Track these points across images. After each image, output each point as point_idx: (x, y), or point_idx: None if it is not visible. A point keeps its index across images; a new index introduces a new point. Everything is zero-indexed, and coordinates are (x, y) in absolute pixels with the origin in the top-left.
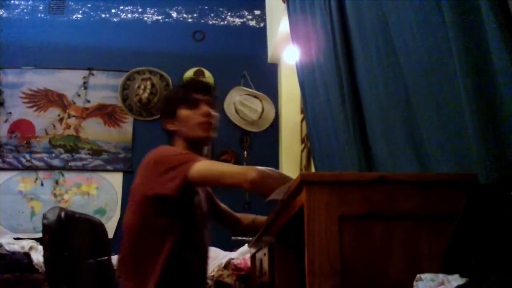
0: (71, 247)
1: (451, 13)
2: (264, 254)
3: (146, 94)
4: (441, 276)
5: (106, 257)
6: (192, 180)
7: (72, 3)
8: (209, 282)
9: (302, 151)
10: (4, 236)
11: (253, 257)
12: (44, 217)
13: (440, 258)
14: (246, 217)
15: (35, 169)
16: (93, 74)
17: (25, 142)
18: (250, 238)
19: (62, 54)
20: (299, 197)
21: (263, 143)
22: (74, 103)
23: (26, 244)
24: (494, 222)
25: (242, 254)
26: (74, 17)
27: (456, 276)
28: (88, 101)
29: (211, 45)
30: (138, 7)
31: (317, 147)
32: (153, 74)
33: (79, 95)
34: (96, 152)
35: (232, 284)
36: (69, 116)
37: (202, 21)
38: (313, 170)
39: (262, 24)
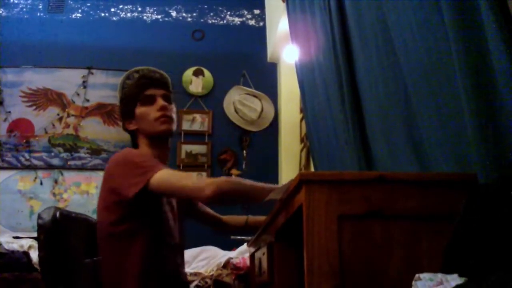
0: (67, 247)
1: (451, 13)
2: (263, 254)
3: None
4: (439, 275)
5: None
6: (152, 189)
7: (71, 2)
8: (208, 281)
9: (301, 150)
10: (3, 235)
11: (252, 256)
12: (39, 217)
13: (439, 257)
14: (236, 219)
15: (34, 168)
16: (92, 73)
17: (24, 141)
18: (249, 238)
19: (61, 53)
20: (298, 196)
21: (262, 142)
22: (74, 102)
23: (25, 243)
24: (494, 222)
25: (241, 254)
26: (73, 16)
27: (455, 275)
28: (88, 100)
29: (210, 44)
30: (138, 6)
31: (317, 146)
32: (155, 74)
33: (78, 94)
34: (95, 151)
35: (231, 283)
36: (68, 115)
37: (202, 20)
38: (312, 169)
39: (261, 24)
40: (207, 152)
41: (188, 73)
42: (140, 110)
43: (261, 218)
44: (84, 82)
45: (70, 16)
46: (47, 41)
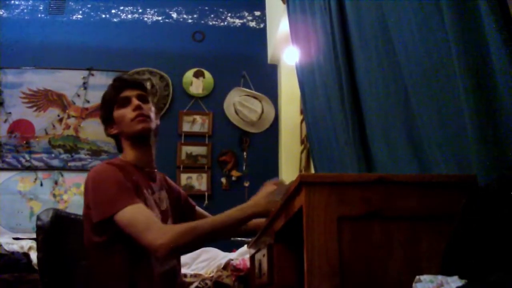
0: (66, 248)
1: (451, 14)
2: (263, 255)
3: None
4: (440, 277)
5: None
6: (116, 223)
7: (72, 3)
8: (208, 282)
9: (301, 152)
10: (3, 236)
11: (252, 258)
12: (38, 218)
13: (439, 258)
14: None
15: (35, 169)
16: (92, 75)
17: (24, 142)
18: (250, 239)
19: (62, 54)
20: (298, 198)
21: (262, 144)
22: (74, 103)
23: (25, 244)
24: (493, 222)
25: (241, 255)
26: (74, 17)
27: (455, 277)
28: (88, 101)
29: (211, 45)
30: (138, 8)
31: (317, 148)
32: (153, 75)
33: (78, 95)
34: (95, 152)
35: (231, 284)
36: (68, 116)
37: (202, 21)
38: (312, 171)
39: (262, 25)
40: (207, 153)
41: (189, 74)
42: (117, 113)
43: (261, 220)
44: (84, 83)
45: (70, 17)
46: (48, 42)
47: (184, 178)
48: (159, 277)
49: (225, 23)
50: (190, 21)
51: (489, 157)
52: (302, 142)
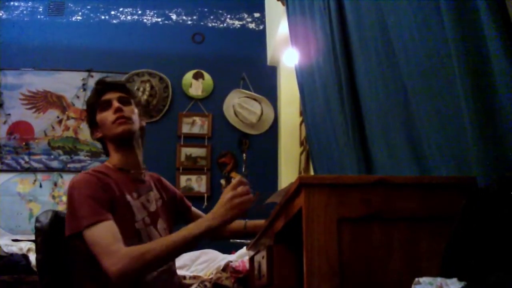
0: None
1: (450, 14)
2: (263, 257)
3: (145, 96)
4: (439, 279)
5: None
6: (85, 238)
7: (71, 5)
8: (208, 284)
9: (301, 153)
10: (3, 238)
11: (251, 259)
12: (37, 220)
13: (438, 260)
14: (233, 224)
15: (34, 170)
16: (92, 76)
17: (24, 143)
18: (249, 241)
19: (61, 56)
20: (297, 199)
21: (262, 145)
22: (73, 104)
23: (24, 246)
24: (493, 224)
25: (240, 257)
26: (73, 18)
27: (454, 279)
28: None
29: (210, 47)
30: (138, 9)
31: (316, 149)
32: (152, 76)
33: (78, 97)
34: (95, 154)
35: (231, 286)
36: (68, 118)
37: (202, 23)
38: (312, 172)
39: (261, 27)
40: (206, 155)
41: (188, 76)
42: (99, 116)
43: (260, 221)
44: (84, 84)
45: (70, 19)
46: (47, 43)
47: (183, 179)
48: (154, 278)
49: (225, 24)
50: (189, 22)
51: (489, 158)
52: (301, 143)
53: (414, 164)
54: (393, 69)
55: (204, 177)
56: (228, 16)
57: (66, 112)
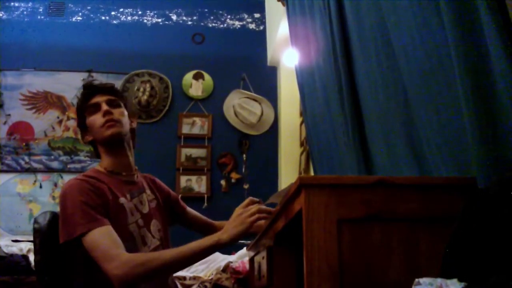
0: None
1: (450, 15)
2: (263, 258)
3: (145, 97)
4: (439, 280)
5: None
6: (83, 244)
7: (72, 5)
8: (208, 285)
9: (301, 154)
10: (3, 238)
11: (251, 260)
12: (35, 221)
13: (438, 261)
14: None
15: (34, 171)
16: (92, 76)
17: (24, 144)
18: (249, 242)
19: (61, 56)
20: (297, 200)
21: (262, 146)
22: (73, 105)
23: (24, 246)
24: (493, 225)
25: (240, 257)
26: (73, 19)
27: (455, 280)
28: None
29: (210, 47)
30: (138, 10)
31: (316, 150)
32: (153, 77)
33: (78, 97)
34: (94, 154)
35: (231, 287)
36: (68, 118)
37: (202, 23)
38: (312, 173)
39: (261, 27)
40: (206, 155)
41: (188, 76)
42: (89, 120)
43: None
44: None
45: (70, 19)
46: (47, 44)
47: (183, 180)
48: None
49: (225, 25)
50: (189, 23)
51: (489, 159)
52: (301, 144)
53: (414, 164)
54: (393, 70)
55: (204, 178)
56: (228, 16)
57: (66, 113)
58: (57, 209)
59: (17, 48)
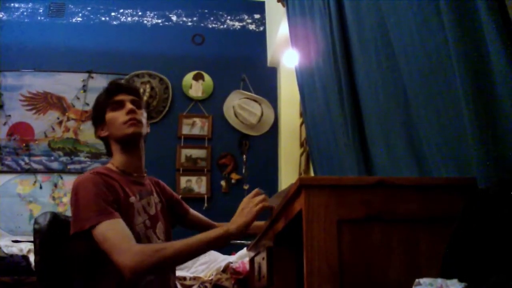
0: (63, 252)
1: (450, 15)
2: (263, 258)
3: (145, 98)
4: (439, 280)
5: None
6: (93, 236)
7: (72, 6)
8: (208, 285)
9: (301, 154)
10: (3, 239)
11: (251, 260)
12: (35, 221)
13: (439, 261)
14: None
15: (34, 171)
16: (92, 77)
17: (24, 144)
18: (249, 242)
19: (61, 57)
20: (297, 200)
21: (262, 146)
22: (73, 106)
23: (24, 247)
24: (493, 225)
25: (240, 258)
26: (74, 20)
27: (455, 280)
28: (87, 104)
29: (210, 48)
30: (138, 11)
31: (316, 150)
32: (153, 78)
33: (78, 98)
34: (95, 155)
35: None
36: (68, 119)
37: (202, 24)
38: (312, 174)
39: (261, 28)
40: (206, 156)
41: (188, 77)
42: (109, 115)
43: (260, 223)
44: (84, 86)
45: (70, 20)
46: (48, 45)
47: (183, 181)
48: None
49: (225, 26)
50: (189, 24)
51: (489, 159)
52: (301, 145)
53: (414, 165)
54: (393, 70)
55: (204, 178)
56: (228, 17)
57: (66, 113)
58: (57, 209)
59: (17, 48)
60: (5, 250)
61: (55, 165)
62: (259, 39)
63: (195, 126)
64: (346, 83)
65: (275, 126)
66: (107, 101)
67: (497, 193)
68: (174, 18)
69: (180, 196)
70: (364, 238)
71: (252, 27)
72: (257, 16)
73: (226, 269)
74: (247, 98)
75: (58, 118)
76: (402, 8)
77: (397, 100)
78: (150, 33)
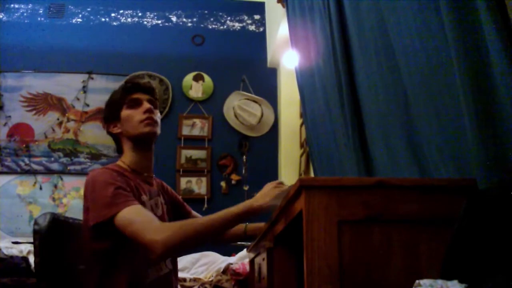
0: (63, 253)
1: (450, 16)
2: (263, 259)
3: None
4: (440, 282)
5: None
6: (116, 225)
7: (72, 7)
8: (208, 287)
9: (301, 155)
10: (3, 240)
11: (252, 262)
12: (35, 222)
13: (439, 262)
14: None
15: (34, 172)
16: (92, 78)
17: (24, 145)
18: (249, 243)
19: (61, 58)
20: (298, 201)
21: (262, 147)
22: (73, 107)
23: (24, 248)
24: (494, 226)
25: (241, 259)
26: (73, 21)
27: (455, 282)
28: (87, 105)
29: (210, 49)
30: (138, 11)
31: (316, 151)
32: (152, 78)
33: (78, 99)
34: (95, 156)
35: None
36: (68, 120)
37: (202, 25)
38: (312, 174)
39: (261, 29)
40: (206, 157)
41: (188, 78)
42: (125, 112)
43: (261, 224)
44: (84, 87)
45: (70, 21)
46: (47, 46)
47: (183, 182)
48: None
49: (225, 26)
50: (189, 24)
51: (489, 159)
52: (301, 145)
53: (414, 165)
54: (393, 71)
55: (204, 179)
56: (228, 18)
57: (66, 114)
58: (57, 210)
59: (17, 49)
60: (5, 251)
61: (55, 166)
62: (259, 39)
63: (195, 127)
64: (346, 83)
65: (275, 127)
66: (124, 98)
67: (498, 194)
68: (174, 19)
69: (180, 197)
70: (364, 239)
71: (252, 27)
72: (257, 16)
73: (226, 270)
74: (247, 99)
75: (58, 119)
76: (402, 9)
77: (397, 100)
78: (150, 34)
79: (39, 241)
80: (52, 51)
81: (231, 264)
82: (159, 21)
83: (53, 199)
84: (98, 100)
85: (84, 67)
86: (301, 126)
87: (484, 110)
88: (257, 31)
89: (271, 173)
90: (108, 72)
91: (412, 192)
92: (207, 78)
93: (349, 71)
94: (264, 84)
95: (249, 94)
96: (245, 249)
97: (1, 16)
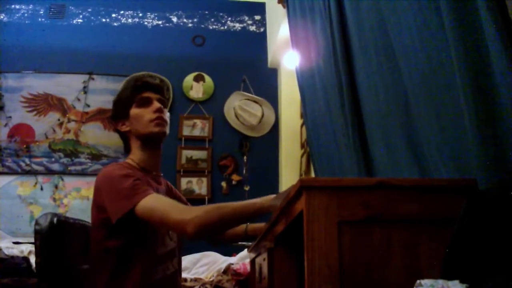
0: (64, 253)
1: (450, 16)
2: (264, 259)
3: None
4: (440, 282)
5: None
6: (138, 215)
7: (72, 8)
8: (208, 287)
9: (301, 156)
10: (3, 240)
11: (252, 262)
12: (36, 222)
13: (439, 263)
14: (234, 228)
15: (35, 173)
16: (93, 79)
17: (24, 146)
18: (250, 243)
19: (62, 59)
20: (298, 202)
21: (262, 148)
22: (74, 107)
23: (25, 249)
24: (494, 226)
25: (241, 259)
26: (74, 21)
27: (456, 282)
28: (88, 106)
29: (211, 49)
30: (139, 12)
31: (317, 151)
32: (153, 79)
33: (79, 100)
34: (95, 156)
35: None
36: (69, 121)
37: (202, 26)
38: (312, 175)
39: (262, 29)
40: (207, 157)
41: (189, 78)
42: (135, 111)
43: (261, 225)
44: (84, 87)
45: (71, 22)
46: (48, 46)
47: (184, 182)
48: (159, 282)
49: (225, 27)
50: (190, 25)
51: (489, 159)
52: (302, 146)
53: (414, 165)
54: (393, 71)
55: (204, 180)
56: (229, 18)
57: (67, 115)
58: (58, 210)
59: (18, 50)
60: (6, 251)
61: (55, 166)
62: (260, 40)
63: (196, 127)
64: (346, 84)
65: (275, 127)
66: (133, 96)
67: (498, 194)
68: (174, 19)
69: (185, 198)
70: (364, 239)
71: (252, 28)
72: (257, 17)
73: (227, 270)
74: (248, 99)
75: (58, 120)
76: (402, 9)
77: (397, 100)
78: (150, 34)
79: (40, 241)
80: (52, 51)
81: (232, 264)
82: (160, 22)
83: (54, 200)
84: (98, 101)
85: (85, 67)
86: (301, 126)
87: (484, 110)
88: (257, 31)
89: (272, 173)
90: (108, 73)
91: (412, 192)
92: (207, 78)
93: (350, 71)
94: (265, 84)
95: (250, 95)
96: (245, 249)
97: (2, 17)
